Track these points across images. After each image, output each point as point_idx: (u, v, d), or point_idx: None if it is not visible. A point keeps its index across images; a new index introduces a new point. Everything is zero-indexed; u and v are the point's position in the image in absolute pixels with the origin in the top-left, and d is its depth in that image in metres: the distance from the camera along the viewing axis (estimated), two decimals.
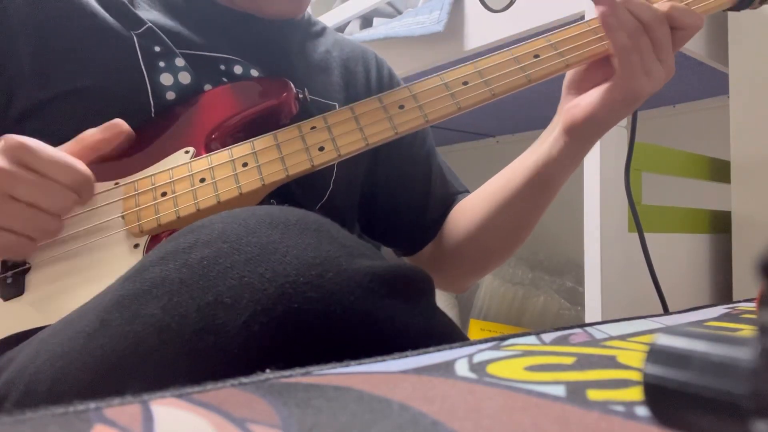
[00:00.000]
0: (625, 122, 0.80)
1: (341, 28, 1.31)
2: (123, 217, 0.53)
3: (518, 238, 0.70)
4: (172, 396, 0.21)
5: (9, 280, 0.51)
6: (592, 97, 0.56)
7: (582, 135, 0.59)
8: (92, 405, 0.20)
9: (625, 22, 0.53)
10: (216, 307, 0.31)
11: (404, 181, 0.74)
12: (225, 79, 0.62)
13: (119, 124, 0.54)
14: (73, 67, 0.57)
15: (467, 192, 0.77)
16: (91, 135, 0.53)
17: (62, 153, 0.49)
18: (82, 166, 0.49)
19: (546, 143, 0.62)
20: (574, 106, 0.57)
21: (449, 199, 0.74)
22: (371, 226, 0.76)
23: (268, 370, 0.25)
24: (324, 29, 0.76)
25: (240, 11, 0.65)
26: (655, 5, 0.55)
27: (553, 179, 0.64)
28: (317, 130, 0.55)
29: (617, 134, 0.80)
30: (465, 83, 0.56)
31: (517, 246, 0.71)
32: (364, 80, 0.73)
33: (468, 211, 0.71)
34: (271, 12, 0.65)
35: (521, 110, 1.36)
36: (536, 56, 0.57)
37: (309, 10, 0.73)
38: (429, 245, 0.75)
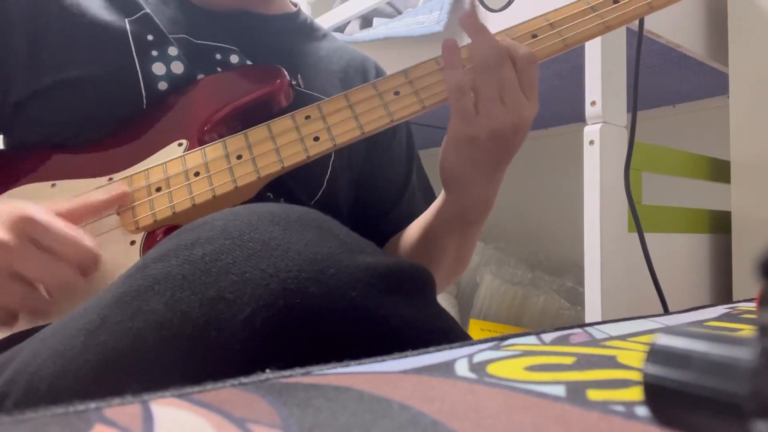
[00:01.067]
0: (625, 122, 0.80)
1: (341, 28, 1.31)
2: (118, 213, 0.52)
3: (439, 277, 0.68)
4: (172, 396, 0.21)
5: None
6: (444, 141, 0.55)
7: (446, 185, 0.58)
8: (92, 405, 0.20)
9: (472, 58, 0.52)
10: (218, 303, 0.31)
11: (377, 185, 0.73)
12: (219, 69, 0.61)
13: (120, 186, 0.52)
14: (65, 57, 0.57)
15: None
16: (94, 194, 0.51)
17: (71, 228, 0.46)
18: (90, 243, 0.46)
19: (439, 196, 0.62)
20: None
21: (408, 221, 0.72)
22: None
23: (268, 370, 0.25)
24: (326, 35, 0.76)
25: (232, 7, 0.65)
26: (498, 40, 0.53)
27: (436, 232, 0.63)
28: (312, 120, 0.54)
29: (617, 134, 0.80)
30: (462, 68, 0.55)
31: (449, 275, 0.70)
32: None
33: (406, 237, 0.70)
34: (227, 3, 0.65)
35: None
36: (534, 36, 0.56)
37: (308, 13, 0.73)
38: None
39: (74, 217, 0.49)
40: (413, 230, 0.68)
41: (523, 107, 0.52)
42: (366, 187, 0.72)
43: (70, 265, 0.45)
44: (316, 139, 0.54)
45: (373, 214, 0.73)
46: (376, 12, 1.25)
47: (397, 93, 0.55)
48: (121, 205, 0.52)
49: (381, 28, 1.13)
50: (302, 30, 0.72)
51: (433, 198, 0.76)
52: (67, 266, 0.45)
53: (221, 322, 0.30)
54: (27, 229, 0.44)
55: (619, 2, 0.55)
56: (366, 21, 1.29)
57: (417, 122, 1.16)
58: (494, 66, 0.51)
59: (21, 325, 0.48)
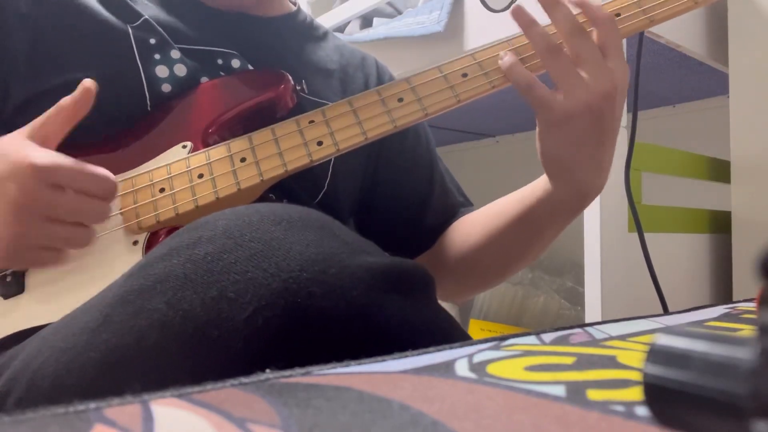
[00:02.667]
0: (625, 122, 0.80)
1: (341, 28, 1.31)
2: (121, 214, 0.53)
3: (511, 267, 0.68)
4: (172, 396, 0.21)
5: (9, 279, 0.51)
6: (537, 131, 0.54)
7: (552, 174, 0.56)
8: (92, 405, 0.20)
9: (536, 44, 0.50)
10: (220, 302, 0.31)
11: (404, 184, 0.73)
12: (222, 73, 0.61)
13: (85, 85, 0.51)
14: (66, 59, 0.57)
15: (471, 206, 0.75)
16: (66, 104, 0.50)
17: (88, 165, 0.47)
18: (108, 174, 0.48)
19: (538, 180, 0.60)
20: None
21: (450, 210, 0.73)
22: (367, 227, 0.74)
23: (268, 370, 0.25)
24: (326, 34, 0.76)
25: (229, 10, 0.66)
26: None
27: (538, 220, 0.60)
28: (315, 124, 0.55)
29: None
30: (464, 75, 0.56)
31: (513, 272, 0.69)
32: (363, 87, 0.72)
33: (466, 229, 0.69)
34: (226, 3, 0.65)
35: (521, 110, 1.36)
36: None
37: (309, 12, 0.72)
38: (425, 254, 0.73)
39: (55, 132, 0.50)
40: (483, 222, 0.66)
41: (611, 72, 0.49)
42: (391, 191, 0.72)
43: (97, 197, 0.47)
44: (320, 143, 0.54)
45: (408, 215, 0.72)
46: (376, 12, 1.25)
47: (401, 100, 0.55)
48: (86, 100, 0.51)
49: (381, 28, 1.13)
50: (301, 30, 0.72)
51: (460, 189, 0.76)
52: (94, 200, 0.47)
53: (223, 322, 0.30)
54: (44, 177, 0.45)
55: (620, 16, 0.55)
56: (366, 21, 1.29)
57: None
58: (567, 39, 0.50)
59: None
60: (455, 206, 0.73)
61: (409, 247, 0.73)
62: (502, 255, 0.65)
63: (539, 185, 0.59)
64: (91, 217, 0.48)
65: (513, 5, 0.54)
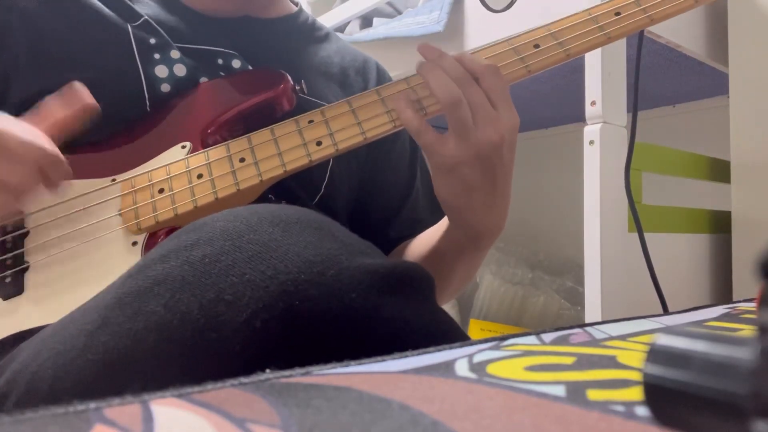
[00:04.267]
0: (625, 122, 0.80)
1: (341, 28, 1.31)
2: (120, 214, 0.53)
3: (449, 288, 0.67)
4: (172, 396, 0.21)
5: (8, 279, 0.51)
6: (431, 173, 0.54)
7: (447, 214, 0.57)
8: (92, 405, 0.20)
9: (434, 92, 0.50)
10: (218, 305, 0.31)
11: (381, 194, 0.73)
12: (222, 73, 0.61)
13: (80, 94, 0.51)
14: (67, 58, 0.57)
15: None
16: (54, 111, 0.51)
17: (30, 134, 0.47)
18: (49, 144, 0.47)
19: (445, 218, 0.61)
20: None
21: (415, 226, 0.72)
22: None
23: (268, 370, 0.25)
24: (328, 35, 0.75)
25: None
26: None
27: (444, 255, 0.61)
28: (315, 125, 0.55)
29: (617, 134, 0.80)
30: None
31: (456, 290, 0.69)
32: (362, 90, 0.72)
33: (414, 248, 0.69)
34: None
35: (521, 110, 1.36)
36: (536, 46, 0.56)
37: (309, 11, 0.72)
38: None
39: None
40: (420, 246, 0.67)
41: (498, 122, 0.50)
42: (368, 192, 0.72)
43: (31, 167, 0.46)
44: (319, 143, 0.54)
45: (376, 219, 0.72)
46: (376, 12, 1.25)
47: None
48: (85, 113, 0.51)
49: (381, 28, 1.13)
50: (303, 31, 0.72)
51: (438, 205, 0.76)
52: (26, 165, 0.46)
53: (221, 324, 0.30)
54: None
55: (620, 14, 0.55)
56: (366, 21, 1.29)
57: None
58: (462, 86, 0.50)
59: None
60: (419, 223, 0.73)
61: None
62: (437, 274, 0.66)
63: (444, 222, 0.61)
64: (13, 177, 0.46)
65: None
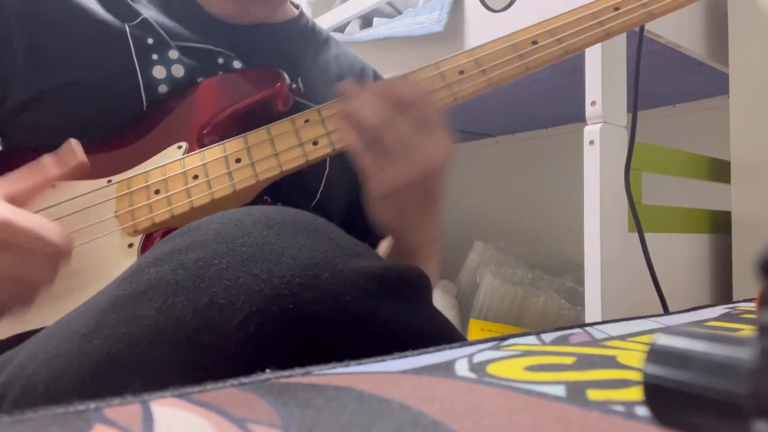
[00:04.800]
0: (625, 122, 0.80)
1: (341, 28, 1.31)
2: (117, 216, 0.52)
3: None
4: (172, 396, 0.21)
5: None
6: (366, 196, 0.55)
7: (383, 231, 0.58)
8: (92, 405, 0.20)
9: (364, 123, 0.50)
10: (211, 308, 0.31)
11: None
12: (221, 72, 0.61)
13: (74, 153, 0.50)
14: (64, 60, 0.56)
15: None
16: (48, 169, 0.49)
17: (40, 224, 0.44)
18: (59, 235, 0.45)
19: None
20: None
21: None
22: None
23: (268, 370, 0.25)
24: (327, 39, 0.75)
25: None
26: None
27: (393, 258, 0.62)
28: (311, 124, 0.54)
29: (617, 134, 0.80)
30: (461, 72, 0.55)
31: None
32: None
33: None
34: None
35: (521, 110, 1.36)
36: (534, 42, 0.56)
37: (308, 13, 0.72)
38: None
39: (30, 195, 0.48)
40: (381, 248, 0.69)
41: (427, 149, 0.50)
42: (358, 198, 0.72)
43: (41, 257, 0.44)
44: (315, 143, 0.54)
45: (362, 222, 0.73)
46: (376, 12, 1.25)
47: None
48: (77, 172, 0.50)
49: (381, 28, 1.13)
50: (303, 36, 0.72)
51: None
52: (39, 260, 0.44)
53: (214, 328, 0.30)
54: None
55: (619, 9, 0.55)
56: (366, 21, 1.29)
57: None
58: (385, 116, 0.50)
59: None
60: None
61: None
62: None
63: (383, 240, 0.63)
64: (31, 277, 0.45)
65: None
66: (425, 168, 0.50)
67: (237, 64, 0.62)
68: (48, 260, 0.45)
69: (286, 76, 0.59)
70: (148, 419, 0.19)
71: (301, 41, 0.71)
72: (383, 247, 0.65)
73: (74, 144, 0.50)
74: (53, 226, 0.45)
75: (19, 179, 0.49)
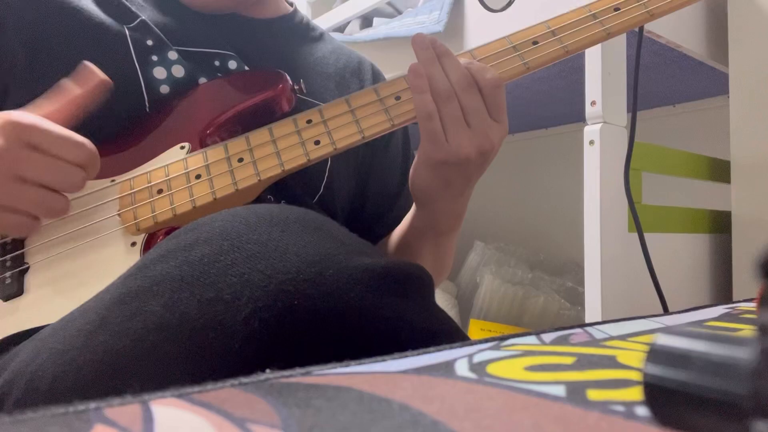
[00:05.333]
0: (625, 122, 0.80)
1: (341, 28, 1.31)
2: (119, 215, 0.53)
3: None
4: (172, 396, 0.21)
5: (8, 281, 0.51)
6: (415, 161, 0.56)
7: (417, 200, 0.59)
8: (92, 405, 0.20)
9: (435, 84, 0.51)
10: (216, 304, 0.31)
11: (374, 190, 0.74)
12: (219, 74, 0.61)
13: (93, 72, 0.52)
14: (64, 62, 0.57)
15: None
16: (70, 89, 0.51)
17: (67, 131, 0.48)
18: (88, 142, 0.48)
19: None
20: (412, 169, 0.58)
21: (397, 223, 0.73)
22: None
23: (268, 370, 0.25)
24: (322, 35, 0.75)
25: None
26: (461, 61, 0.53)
27: (412, 244, 0.65)
28: (313, 124, 0.55)
29: (617, 134, 0.80)
30: None
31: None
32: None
33: (389, 245, 0.72)
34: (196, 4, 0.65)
35: (521, 110, 1.36)
36: (535, 42, 0.56)
37: (308, 13, 0.72)
38: None
39: (62, 116, 0.50)
40: (393, 239, 0.70)
41: (491, 131, 0.52)
42: (363, 191, 0.73)
43: (72, 164, 0.47)
44: (317, 143, 0.54)
45: (368, 216, 0.73)
46: (376, 12, 1.25)
47: (398, 98, 0.55)
48: (100, 89, 0.52)
49: (381, 28, 1.13)
50: (298, 32, 0.72)
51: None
52: (69, 165, 0.47)
53: (219, 324, 0.30)
54: (22, 135, 0.45)
55: (620, 10, 0.55)
56: (366, 21, 1.29)
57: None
58: (460, 92, 0.51)
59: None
60: (400, 221, 0.74)
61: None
62: None
63: (411, 212, 0.64)
64: (63, 183, 0.47)
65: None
66: (488, 147, 0.52)
67: (232, 65, 0.62)
68: (75, 169, 0.47)
69: (288, 77, 0.59)
70: (148, 419, 0.19)
71: (296, 36, 0.71)
72: (407, 218, 0.66)
73: (90, 65, 0.52)
74: (83, 138, 0.48)
75: (45, 104, 0.51)
